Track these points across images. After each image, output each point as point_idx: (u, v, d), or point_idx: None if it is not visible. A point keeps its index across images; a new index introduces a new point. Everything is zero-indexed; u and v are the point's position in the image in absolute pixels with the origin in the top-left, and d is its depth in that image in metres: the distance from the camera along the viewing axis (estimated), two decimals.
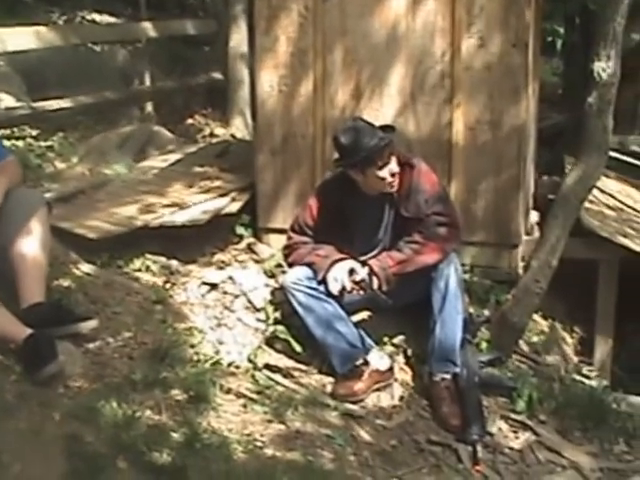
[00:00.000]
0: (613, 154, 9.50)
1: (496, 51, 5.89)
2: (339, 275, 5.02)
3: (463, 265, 5.66)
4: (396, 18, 6.03)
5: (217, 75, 11.31)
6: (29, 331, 4.35)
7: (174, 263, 5.99)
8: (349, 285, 5.01)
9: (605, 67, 5.19)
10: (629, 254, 6.32)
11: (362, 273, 5.01)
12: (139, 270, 5.85)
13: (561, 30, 12.23)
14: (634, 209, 7.57)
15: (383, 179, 5.08)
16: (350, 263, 5.06)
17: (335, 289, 5.01)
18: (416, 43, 6.01)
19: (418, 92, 6.04)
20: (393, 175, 5.09)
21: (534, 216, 6.90)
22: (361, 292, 5.07)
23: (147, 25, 10.68)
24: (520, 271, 5.91)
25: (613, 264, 6.46)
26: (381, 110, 6.06)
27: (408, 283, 5.07)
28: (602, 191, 7.51)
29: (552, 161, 8.23)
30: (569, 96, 10.83)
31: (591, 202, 6.88)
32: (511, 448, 5.04)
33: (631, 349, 6.85)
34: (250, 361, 5.28)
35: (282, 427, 4.69)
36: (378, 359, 5.22)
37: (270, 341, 5.42)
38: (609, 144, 5.46)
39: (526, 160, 6.27)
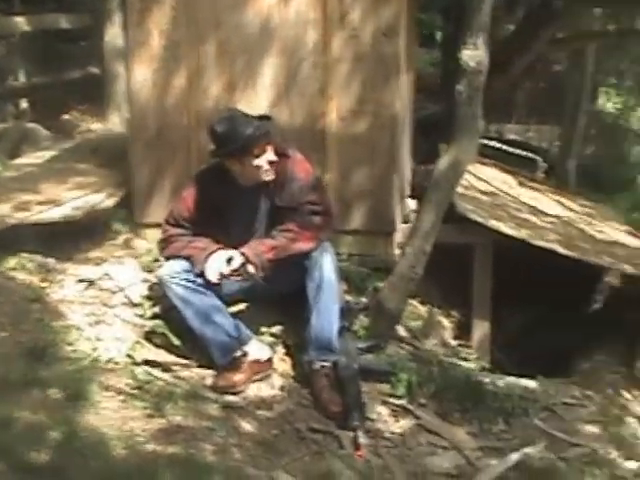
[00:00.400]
0: (491, 142, 9.73)
1: (368, 41, 5.95)
2: (216, 264, 4.99)
3: (340, 254, 5.71)
4: (269, 10, 6.05)
5: (93, 70, 11.18)
6: None
7: (50, 261, 5.90)
8: (227, 271, 4.98)
9: (473, 55, 5.27)
10: (502, 238, 6.44)
11: (238, 260, 4.99)
12: (14, 269, 5.75)
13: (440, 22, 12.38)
14: (509, 194, 7.72)
15: (260, 168, 5.08)
16: (227, 252, 5.04)
17: (213, 277, 4.98)
18: (289, 34, 6.04)
19: (291, 83, 6.06)
20: (271, 163, 5.10)
21: (411, 204, 6.98)
22: (238, 278, 5.05)
23: (20, 19, 10.50)
24: (397, 258, 5.97)
25: (487, 248, 6.58)
26: (255, 101, 6.06)
27: (284, 272, 5.07)
28: (478, 178, 7.64)
29: (429, 150, 8.33)
30: (446, 86, 10.96)
31: (466, 188, 7.00)
32: (392, 432, 5.09)
33: (507, 330, 6.99)
34: (129, 357, 5.23)
35: (163, 422, 4.66)
36: (257, 350, 5.22)
37: (149, 336, 5.38)
38: (479, 130, 5.57)
39: (400, 149, 6.34)
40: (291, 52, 6.04)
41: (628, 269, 6.87)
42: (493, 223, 6.48)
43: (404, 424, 5.18)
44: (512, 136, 12.12)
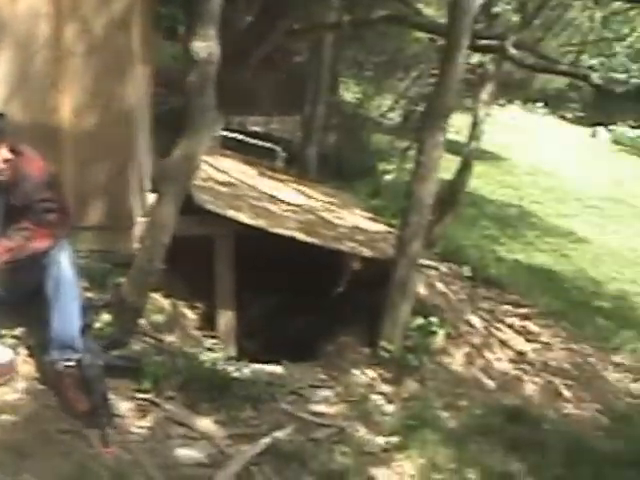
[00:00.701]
0: (231, 134, 9.81)
1: (101, 34, 5.90)
2: None
3: (80, 250, 5.63)
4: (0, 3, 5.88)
5: None
6: None
7: None
8: None
9: (203, 46, 5.29)
10: (242, 228, 6.52)
11: None
12: None
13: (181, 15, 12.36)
14: (248, 184, 7.82)
15: None
16: None
17: None
18: (20, 28, 5.89)
19: (24, 78, 5.92)
20: (5, 162, 4.97)
21: (152, 198, 6.96)
22: None
23: None
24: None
25: (228, 238, 6.66)
26: None
27: (22, 272, 4.97)
28: (217, 169, 7.69)
29: (171, 144, 8.32)
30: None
31: (205, 180, 7.05)
32: (141, 427, 5.08)
33: (253, 319, 7.09)
34: None
35: None
36: None
37: None
38: (213, 121, 5.61)
39: (138, 143, 6.32)
40: (23, 46, 5.89)
41: (367, 253, 7.10)
42: (232, 213, 6.55)
43: (152, 418, 5.18)
44: (255, 127, 12.24)
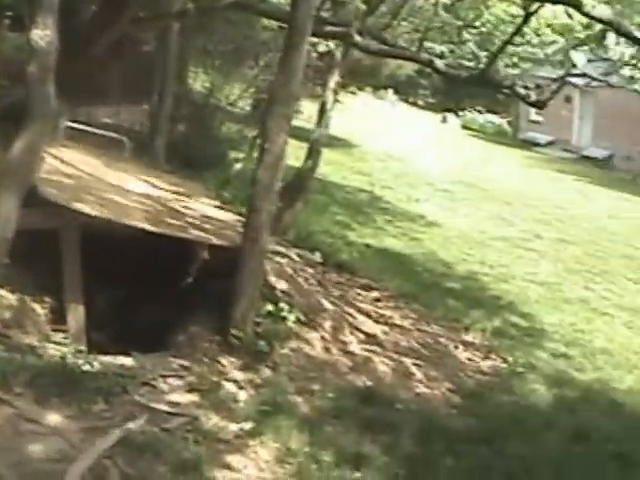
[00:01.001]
0: (79, 125, 9.68)
1: None
2: None
3: None
4: None
5: None
6: None
7: None
8: None
9: (42, 35, 5.22)
10: (89, 219, 6.45)
11: None
12: None
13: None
14: (94, 176, 7.74)
15: None
16: None
17: None
18: None
19: None
20: None
21: None
22: None
23: None
24: None
25: (74, 230, 6.57)
26: None
27: None
28: (62, 161, 7.58)
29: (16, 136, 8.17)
30: None
31: (50, 172, 6.93)
32: None
33: (103, 311, 7.02)
34: None
35: None
36: None
37: None
38: (54, 112, 5.51)
39: None
40: None
41: (215, 241, 7.12)
42: (77, 205, 6.47)
43: (1, 415, 5.08)
44: (105, 118, 12.08)
